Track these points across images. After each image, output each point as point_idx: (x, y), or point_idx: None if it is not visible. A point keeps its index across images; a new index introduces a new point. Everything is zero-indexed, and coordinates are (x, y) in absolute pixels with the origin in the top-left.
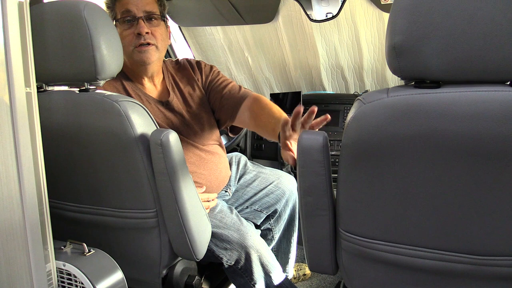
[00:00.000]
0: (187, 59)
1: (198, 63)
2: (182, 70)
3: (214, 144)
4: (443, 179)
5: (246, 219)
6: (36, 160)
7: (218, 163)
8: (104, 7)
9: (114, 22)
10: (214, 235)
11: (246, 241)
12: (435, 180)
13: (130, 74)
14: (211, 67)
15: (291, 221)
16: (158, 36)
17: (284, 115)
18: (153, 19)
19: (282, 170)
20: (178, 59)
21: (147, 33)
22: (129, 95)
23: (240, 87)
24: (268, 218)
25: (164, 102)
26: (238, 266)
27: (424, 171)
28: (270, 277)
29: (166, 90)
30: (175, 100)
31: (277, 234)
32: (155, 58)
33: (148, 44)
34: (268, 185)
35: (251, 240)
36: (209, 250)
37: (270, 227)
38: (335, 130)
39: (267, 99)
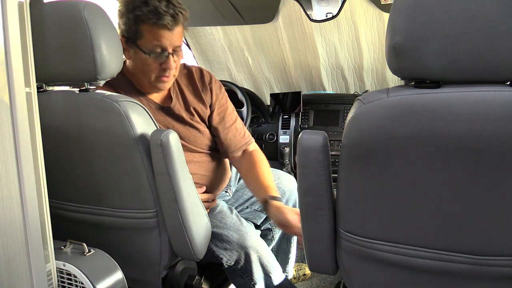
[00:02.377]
0: (200, 69)
1: (210, 80)
2: (189, 78)
3: (214, 146)
4: (443, 179)
5: (246, 219)
6: (36, 160)
7: (219, 165)
8: (104, 8)
9: (131, 41)
10: (214, 235)
11: (246, 241)
12: (435, 180)
13: (135, 80)
14: (220, 86)
15: None
16: (178, 65)
17: (271, 183)
18: (178, 51)
19: (282, 170)
20: (185, 64)
21: None
22: None
23: (243, 130)
24: (268, 218)
25: (165, 107)
26: (238, 267)
27: (424, 171)
28: (270, 277)
29: (169, 96)
30: (177, 107)
31: (277, 234)
32: (171, 84)
33: (170, 75)
34: None
35: (251, 240)
36: (209, 250)
37: (270, 227)
38: (335, 130)
39: (260, 159)
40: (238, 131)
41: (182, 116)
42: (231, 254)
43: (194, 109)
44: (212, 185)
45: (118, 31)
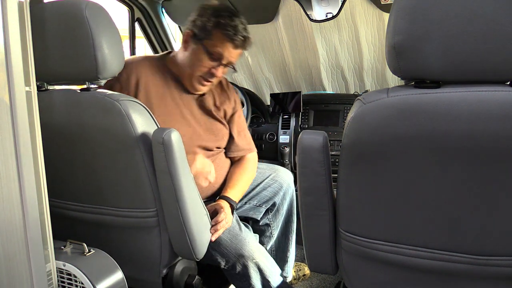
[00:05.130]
0: (224, 77)
1: (231, 88)
2: (218, 82)
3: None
4: (443, 179)
5: (246, 216)
6: (36, 160)
7: (226, 164)
8: (105, 7)
9: (197, 37)
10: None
11: (243, 250)
12: (435, 180)
13: (177, 70)
14: (237, 95)
15: (289, 217)
16: (220, 79)
17: (237, 186)
18: (227, 68)
19: None
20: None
21: None
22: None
23: (250, 139)
24: (266, 212)
25: (199, 98)
26: (236, 271)
27: (424, 171)
28: (269, 281)
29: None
30: (208, 99)
31: (275, 230)
32: (204, 91)
33: (211, 82)
34: (265, 179)
35: (248, 249)
36: (208, 252)
37: (268, 222)
38: (335, 130)
39: (247, 167)
40: (245, 138)
41: (211, 109)
42: (228, 259)
43: (221, 106)
44: (217, 185)
45: (189, 25)
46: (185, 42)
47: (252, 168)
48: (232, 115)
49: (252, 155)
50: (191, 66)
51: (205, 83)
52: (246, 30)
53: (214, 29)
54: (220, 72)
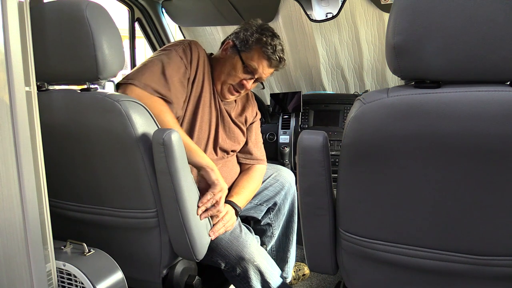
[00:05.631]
0: (255, 94)
1: (254, 100)
2: (246, 96)
3: (236, 152)
4: (443, 179)
5: (247, 215)
6: (36, 160)
7: (235, 168)
8: (106, 7)
9: (237, 48)
10: (213, 240)
11: (243, 253)
12: (435, 180)
13: (214, 70)
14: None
15: (290, 217)
16: (247, 92)
17: (242, 193)
18: (256, 82)
19: None
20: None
21: None
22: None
23: (263, 151)
24: (267, 212)
25: (226, 102)
26: (236, 273)
27: (424, 171)
28: (269, 283)
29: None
30: (234, 106)
31: (276, 230)
32: (230, 100)
33: (239, 93)
34: (267, 178)
35: (249, 251)
36: (208, 253)
37: (270, 221)
38: (335, 130)
39: (255, 176)
40: (261, 150)
41: (233, 115)
42: (229, 261)
43: (243, 113)
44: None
45: (231, 35)
46: (224, 51)
47: (259, 179)
48: (252, 123)
49: (261, 167)
50: (225, 74)
51: (234, 92)
52: (283, 52)
53: (254, 44)
54: (249, 85)
